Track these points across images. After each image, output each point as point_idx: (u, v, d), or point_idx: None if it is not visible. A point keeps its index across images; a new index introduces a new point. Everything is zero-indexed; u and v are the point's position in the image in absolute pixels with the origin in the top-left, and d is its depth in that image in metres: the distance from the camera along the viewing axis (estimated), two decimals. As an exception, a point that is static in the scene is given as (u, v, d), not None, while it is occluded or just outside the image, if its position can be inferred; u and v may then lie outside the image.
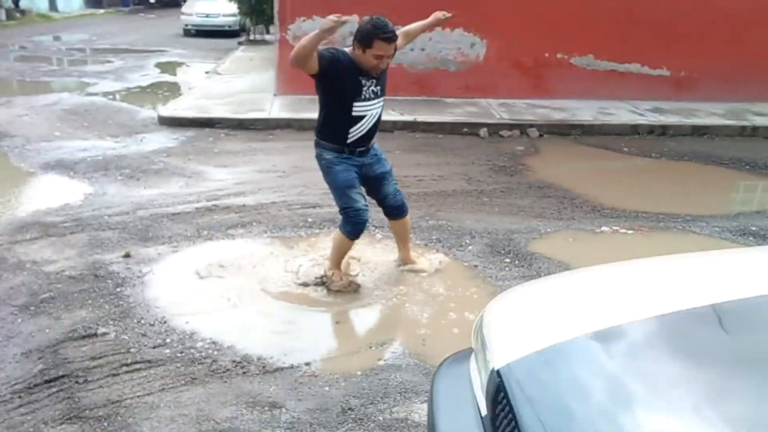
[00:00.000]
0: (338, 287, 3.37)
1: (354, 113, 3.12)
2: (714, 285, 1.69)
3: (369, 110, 3.16)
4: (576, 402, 1.37)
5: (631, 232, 4.31)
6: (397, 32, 3.16)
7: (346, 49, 3.06)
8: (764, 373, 1.37)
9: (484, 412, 1.57)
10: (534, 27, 8.30)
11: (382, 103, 3.24)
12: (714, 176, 5.92)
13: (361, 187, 3.33)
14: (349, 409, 2.47)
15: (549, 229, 4.32)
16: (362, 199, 3.30)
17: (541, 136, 7.09)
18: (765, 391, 1.31)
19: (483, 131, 7.12)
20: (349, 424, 2.39)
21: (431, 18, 3.45)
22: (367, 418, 2.43)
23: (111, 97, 8.68)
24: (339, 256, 3.44)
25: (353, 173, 3.26)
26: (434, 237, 4.11)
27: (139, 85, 9.88)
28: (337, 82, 3.05)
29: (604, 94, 8.41)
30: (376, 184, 3.41)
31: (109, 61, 12.14)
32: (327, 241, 3.92)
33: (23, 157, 5.56)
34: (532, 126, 7.25)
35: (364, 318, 3.18)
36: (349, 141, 3.19)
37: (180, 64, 12.58)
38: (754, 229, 4.37)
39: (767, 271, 1.77)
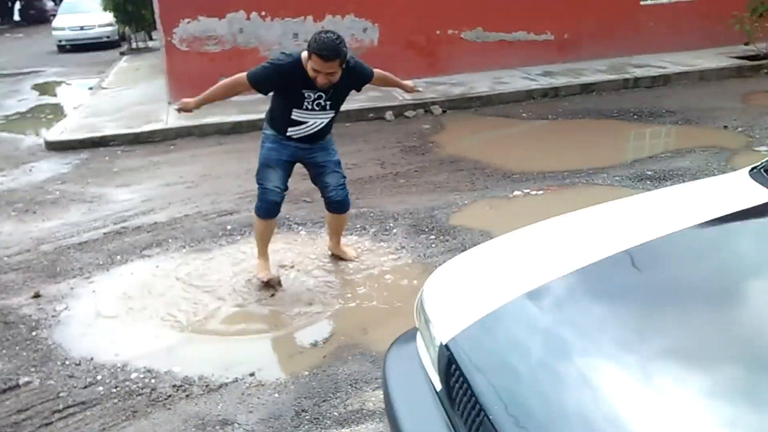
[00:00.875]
0: (262, 278, 3.37)
1: (293, 117, 3.12)
2: (624, 231, 1.81)
3: (311, 118, 3.14)
4: (520, 361, 1.45)
5: (541, 192, 4.53)
6: (377, 72, 3.27)
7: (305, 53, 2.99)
8: (679, 304, 1.50)
9: (438, 387, 1.61)
10: (422, 6, 8.45)
11: (331, 115, 3.21)
12: (607, 129, 6.32)
13: (284, 171, 3.28)
14: (303, 411, 2.45)
15: (466, 201, 4.45)
16: (278, 181, 3.26)
17: (444, 112, 7.26)
18: (682, 320, 1.43)
19: (389, 114, 7.20)
20: (305, 426, 2.38)
21: (405, 82, 3.55)
22: (322, 417, 2.42)
23: (-13, 128, 7.98)
24: (258, 241, 3.45)
25: (283, 155, 3.24)
26: (358, 225, 4.12)
27: (18, 111, 9.14)
28: (278, 91, 3.13)
29: (497, 64, 8.72)
30: (316, 171, 3.38)
31: (-23, 90, 11.12)
32: (249, 247, 3.83)
33: None
34: (434, 103, 7.40)
35: (301, 317, 3.14)
36: (289, 135, 3.19)
37: (60, 83, 11.76)
38: (649, 173, 4.72)
39: (667, 212, 1.92)
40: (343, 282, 3.44)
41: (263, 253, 3.45)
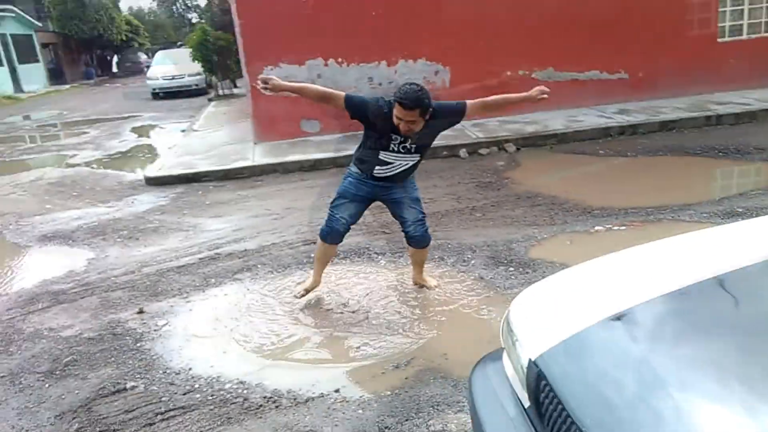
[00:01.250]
0: (298, 291, 3.65)
1: (380, 158, 3.31)
2: (713, 258, 1.78)
3: (398, 160, 3.32)
4: (611, 382, 1.43)
5: (624, 228, 4.46)
6: (473, 103, 3.33)
7: None
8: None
9: (526, 403, 1.62)
10: (492, 49, 8.66)
11: (417, 158, 3.37)
12: (691, 166, 6.16)
13: (357, 206, 3.46)
14: (386, 428, 2.52)
15: (545, 235, 4.45)
16: (347, 213, 3.45)
17: (518, 150, 7.31)
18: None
19: (463, 152, 7.33)
20: (389, 441, 2.44)
21: (526, 93, 3.44)
22: (405, 434, 2.48)
23: (94, 165, 8.73)
24: (315, 261, 3.67)
25: (361, 191, 3.43)
26: (437, 255, 4.22)
27: (119, 150, 9.97)
28: (367, 127, 3.31)
29: (570, 103, 8.74)
30: (393, 207, 3.53)
31: (84, 132, 12.23)
32: (333, 273, 4.00)
33: (20, 233, 5.56)
34: (507, 141, 7.48)
35: (385, 340, 3.23)
36: (375, 175, 3.36)
37: (155, 126, 12.72)
38: (740, 210, 4.56)
39: (761, 239, 1.89)
40: (424, 309, 3.52)
41: (316, 273, 3.65)
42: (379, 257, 4.31)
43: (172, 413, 2.67)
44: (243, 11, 8.23)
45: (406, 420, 2.57)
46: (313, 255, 4.37)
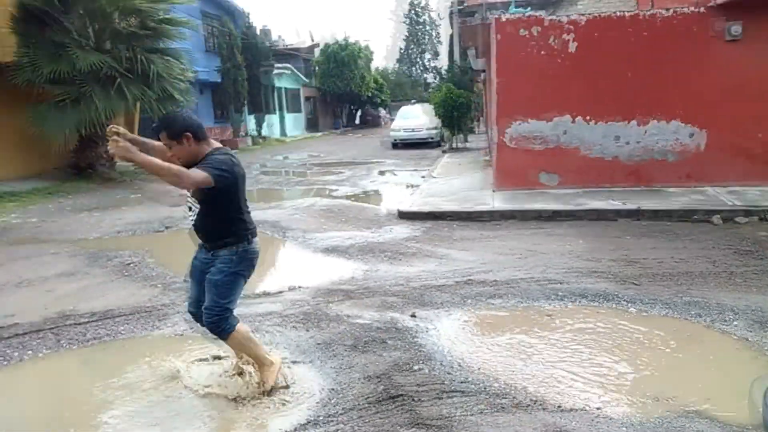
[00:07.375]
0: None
1: (188, 199, 3.15)
2: None
3: (194, 203, 3.09)
4: None
5: None
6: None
7: None
8: None
9: None
10: (754, 112, 8.16)
11: (200, 206, 3.05)
12: None
13: (196, 282, 3.23)
14: (649, 447, 2.69)
15: (824, 308, 4.14)
16: (189, 295, 3.31)
17: (787, 222, 6.73)
18: None
19: (716, 218, 6.97)
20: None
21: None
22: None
23: (353, 198, 10.12)
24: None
25: (195, 264, 3.26)
26: (692, 312, 4.21)
27: (372, 188, 11.40)
28: None
29: None
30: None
31: (341, 172, 14.16)
32: (576, 312, 4.24)
33: (307, 245, 6.81)
34: (772, 212, 6.93)
35: (644, 374, 3.37)
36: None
37: (397, 171, 14.18)
38: None
39: None
40: (686, 356, 3.58)
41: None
42: (629, 305, 4.42)
43: (453, 394, 3.17)
44: (502, 71, 8.99)
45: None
46: (561, 293, 4.67)
